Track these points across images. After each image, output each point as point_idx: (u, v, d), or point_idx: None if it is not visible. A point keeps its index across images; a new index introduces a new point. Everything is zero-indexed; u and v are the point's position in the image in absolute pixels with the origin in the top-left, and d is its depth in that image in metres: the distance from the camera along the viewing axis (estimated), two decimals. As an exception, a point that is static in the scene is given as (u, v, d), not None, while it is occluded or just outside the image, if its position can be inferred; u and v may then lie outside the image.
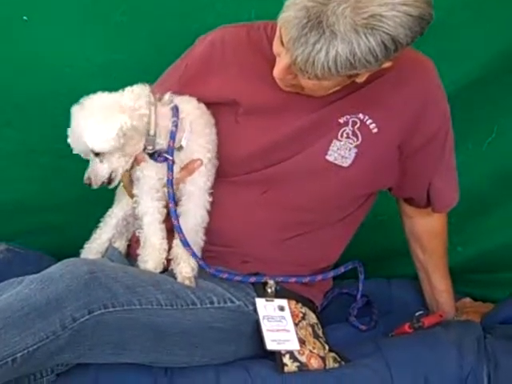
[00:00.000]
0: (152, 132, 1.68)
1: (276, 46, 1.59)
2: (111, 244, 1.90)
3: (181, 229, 1.69)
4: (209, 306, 1.67)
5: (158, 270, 1.70)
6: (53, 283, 1.50)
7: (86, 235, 1.94)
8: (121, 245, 1.92)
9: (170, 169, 1.69)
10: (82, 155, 1.68)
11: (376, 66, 1.49)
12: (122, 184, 1.88)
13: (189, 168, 1.73)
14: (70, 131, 1.67)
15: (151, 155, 1.71)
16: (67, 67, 2.12)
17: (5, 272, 1.96)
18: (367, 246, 2.11)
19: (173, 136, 1.69)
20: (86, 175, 1.68)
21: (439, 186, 1.84)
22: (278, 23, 1.52)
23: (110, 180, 1.69)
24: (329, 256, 1.90)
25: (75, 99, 2.09)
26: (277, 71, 1.60)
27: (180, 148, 1.71)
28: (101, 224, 1.91)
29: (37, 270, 1.60)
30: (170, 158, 1.69)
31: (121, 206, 1.89)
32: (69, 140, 1.67)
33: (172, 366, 1.69)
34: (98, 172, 1.66)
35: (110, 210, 1.91)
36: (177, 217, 1.70)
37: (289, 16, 1.46)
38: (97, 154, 1.64)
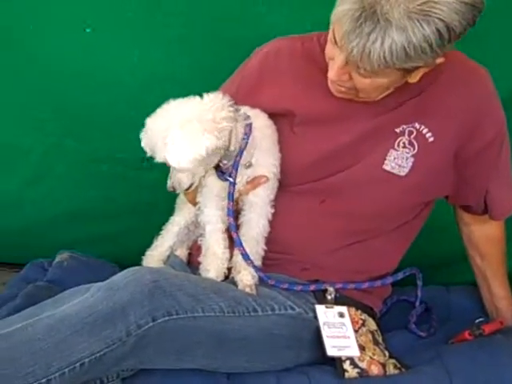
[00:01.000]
0: (232, 148, 1.68)
1: (329, 50, 1.61)
2: (173, 252, 1.93)
3: (241, 243, 1.72)
4: (270, 313, 1.69)
5: (220, 279, 1.72)
6: (118, 291, 1.54)
7: (147, 242, 1.98)
8: (182, 253, 1.95)
9: (232, 184, 1.71)
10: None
11: (430, 58, 1.50)
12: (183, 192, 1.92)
13: (254, 183, 1.75)
14: (146, 139, 1.66)
15: (216, 168, 1.73)
16: (127, 76, 2.19)
17: (69, 279, 2.02)
18: (425, 253, 2.10)
19: (241, 153, 1.70)
20: (169, 183, 1.68)
21: (496, 194, 1.83)
22: (331, 20, 1.53)
23: (188, 187, 1.70)
24: (386, 264, 1.90)
25: (135, 108, 2.16)
26: (332, 73, 1.61)
27: (249, 165, 1.73)
28: (162, 232, 1.94)
29: (100, 278, 1.65)
30: (231, 179, 1.70)
31: (182, 214, 1.92)
32: (143, 145, 1.67)
33: (234, 372, 1.72)
34: (181, 181, 1.67)
35: (172, 217, 1.94)
36: (236, 230, 1.72)
37: (343, 10, 1.47)
38: None
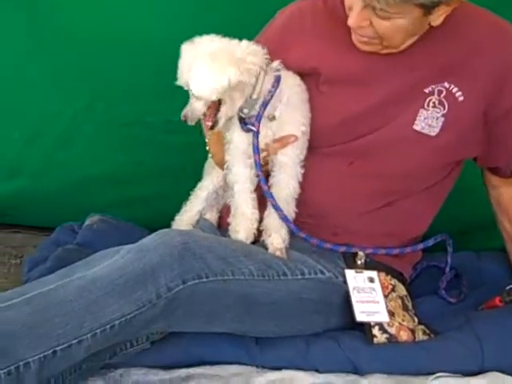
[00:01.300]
0: (255, 96, 1.68)
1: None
2: (202, 216, 1.93)
3: (271, 194, 1.70)
4: (300, 277, 1.69)
5: (250, 241, 1.72)
6: (148, 253, 1.55)
7: (176, 206, 1.98)
8: (212, 216, 1.95)
9: (256, 136, 1.70)
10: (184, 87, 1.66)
11: None
12: (210, 156, 1.91)
13: (282, 142, 1.74)
14: (179, 65, 1.66)
15: (240, 120, 1.71)
16: (154, 41, 2.17)
17: (99, 242, 2.03)
18: (455, 219, 2.09)
19: (265, 104, 1.69)
20: (182, 112, 1.67)
21: None
22: None
23: (213, 125, 1.68)
24: (417, 226, 1.89)
25: (163, 73, 2.14)
26: (352, 20, 1.60)
27: (272, 118, 1.71)
28: (191, 197, 1.94)
29: (129, 241, 1.65)
30: (253, 128, 1.69)
31: (210, 179, 1.91)
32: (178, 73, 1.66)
33: (263, 337, 1.72)
34: (195, 109, 1.65)
35: (200, 183, 1.94)
36: (266, 183, 1.71)
37: None
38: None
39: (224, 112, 1.67)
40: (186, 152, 2.21)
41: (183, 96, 2.02)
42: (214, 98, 1.62)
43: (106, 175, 2.37)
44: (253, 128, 1.69)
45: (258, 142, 1.69)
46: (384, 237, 1.83)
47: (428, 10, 1.54)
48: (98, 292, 1.52)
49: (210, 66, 1.58)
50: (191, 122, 1.66)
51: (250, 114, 1.69)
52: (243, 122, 1.71)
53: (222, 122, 1.69)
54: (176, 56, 2.07)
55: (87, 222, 2.20)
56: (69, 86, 2.26)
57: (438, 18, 1.59)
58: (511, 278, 2.01)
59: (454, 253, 2.00)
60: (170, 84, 2.22)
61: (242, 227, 1.71)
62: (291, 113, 1.72)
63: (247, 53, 1.64)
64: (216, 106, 1.66)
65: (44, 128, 2.32)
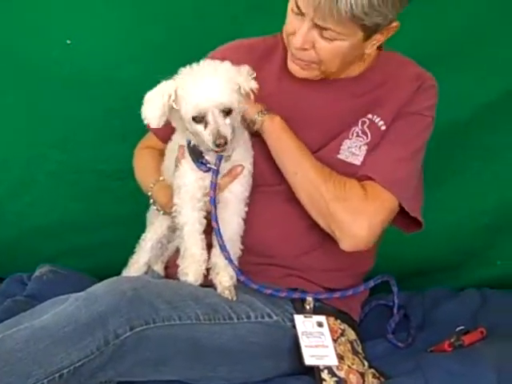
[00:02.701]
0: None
1: (290, 24, 1.70)
2: (150, 267, 1.92)
3: (220, 233, 1.71)
4: (245, 320, 1.70)
5: (199, 283, 1.71)
6: (97, 300, 1.54)
7: (128, 255, 1.96)
8: (158, 268, 1.95)
9: (215, 173, 1.71)
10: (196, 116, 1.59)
11: (390, 14, 1.61)
12: (152, 207, 1.93)
13: (232, 173, 1.75)
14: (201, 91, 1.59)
15: (196, 159, 1.71)
16: (109, 88, 2.21)
17: (49, 293, 1.97)
18: (398, 259, 2.14)
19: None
20: (215, 135, 1.56)
21: None
22: None
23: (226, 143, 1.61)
24: (367, 259, 1.92)
25: (115, 121, 2.18)
26: (297, 40, 1.67)
27: (228, 158, 1.72)
28: (136, 249, 1.94)
29: (79, 291, 1.62)
30: (214, 167, 1.69)
31: (154, 230, 1.92)
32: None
33: None
34: (225, 127, 1.58)
35: (144, 234, 1.94)
36: (217, 220, 1.71)
37: None
38: (225, 112, 1.59)
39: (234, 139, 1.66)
40: (138, 200, 2.21)
41: (134, 143, 2.07)
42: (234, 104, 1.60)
43: (57, 224, 2.37)
44: (213, 167, 1.70)
45: (216, 179, 1.70)
46: (337, 272, 1.85)
47: (368, 34, 1.66)
48: (45, 340, 1.50)
49: (222, 78, 1.59)
50: (229, 139, 1.60)
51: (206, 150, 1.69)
52: (200, 161, 1.71)
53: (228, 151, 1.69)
54: (129, 104, 2.10)
55: (37, 273, 2.18)
56: (21, 133, 2.27)
57: (371, 46, 1.72)
58: (459, 315, 2.07)
59: (400, 292, 2.04)
60: (121, 132, 2.27)
61: (190, 270, 1.71)
62: (243, 153, 1.76)
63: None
64: None
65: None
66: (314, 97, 1.82)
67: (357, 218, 1.72)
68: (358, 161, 1.79)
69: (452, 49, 2.22)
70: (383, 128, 1.80)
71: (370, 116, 1.81)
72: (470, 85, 2.23)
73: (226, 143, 1.58)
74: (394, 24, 1.67)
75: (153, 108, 1.61)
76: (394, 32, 1.71)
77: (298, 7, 1.64)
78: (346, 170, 1.78)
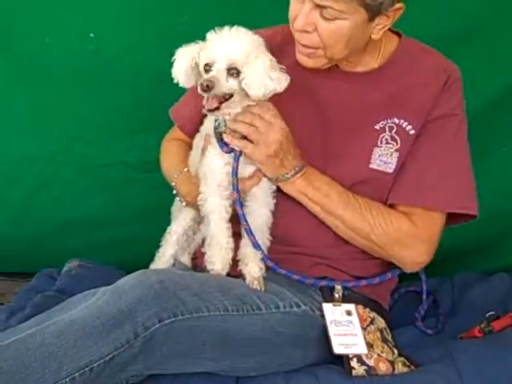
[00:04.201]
0: None
1: (292, 8, 1.67)
2: (177, 260, 1.93)
3: (251, 231, 1.72)
4: (274, 310, 1.69)
5: (226, 271, 1.72)
6: (124, 294, 1.55)
7: (156, 248, 1.97)
8: (185, 259, 1.95)
9: (236, 159, 1.71)
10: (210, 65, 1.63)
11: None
12: (177, 199, 1.93)
13: (256, 176, 1.76)
14: (215, 43, 1.64)
15: (219, 141, 1.72)
16: (133, 78, 2.22)
17: (78, 288, 1.99)
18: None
19: None
20: (207, 77, 1.61)
21: None
22: None
23: (218, 107, 1.65)
24: None
25: (141, 111, 2.18)
26: (299, 22, 1.65)
27: None
28: (162, 242, 1.94)
29: (107, 284, 1.65)
30: (237, 149, 1.71)
31: (178, 222, 1.92)
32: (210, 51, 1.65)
33: (243, 375, 1.72)
34: (223, 86, 1.62)
35: (169, 227, 1.94)
36: (241, 206, 1.72)
37: None
38: (229, 71, 1.62)
39: (228, 104, 1.66)
40: (165, 192, 2.23)
41: (161, 135, 2.07)
42: (261, 97, 1.63)
43: (84, 218, 2.38)
44: (237, 148, 1.71)
45: (237, 165, 1.71)
46: (366, 260, 1.85)
47: (372, 14, 1.62)
48: (75, 335, 1.51)
49: (271, 69, 1.62)
50: (210, 94, 1.62)
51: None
52: (223, 143, 1.72)
53: (222, 112, 1.68)
54: (153, 94, 2.12)
55: (66, 268, 2.20)
56: (45, 128, 2.29)
57: (377, 31, 1.68)
58: (487, 302, 2.04)
59: (429, 279, 2.03)
60: (148, 123, 2.27)
61: (217, 258, 1.72)
62: None
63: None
64: (226, 95, 1.66)
65: (21, 173, 2.34)
66: (334, 90, 1.79)
67: (413, 249, 1.78)
68: (390, 169, 1.77)
69: (468, 33, 2.21)
70: (412, 132, 1.77)
71: (396, 120, 1.77)
72: (485, 70, 2.22)
73: (208, 88, 1.59)
74: (398, 5, 1.63)
75: (180, 67, 1.66)
76: (399, 15, 1.66)
77: None
78: (380, 179, 1.78)
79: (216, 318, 1.61)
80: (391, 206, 1.79)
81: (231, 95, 1.65)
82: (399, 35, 1.82)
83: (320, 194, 1.76)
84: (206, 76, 1.63)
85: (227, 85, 1.62)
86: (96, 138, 2.30)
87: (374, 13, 1.62)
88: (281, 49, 1.78)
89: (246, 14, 2.13)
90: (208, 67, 1.64)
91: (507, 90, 2.25)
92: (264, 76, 1.61)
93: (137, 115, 2.24)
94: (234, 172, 1.72)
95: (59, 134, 2.30)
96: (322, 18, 1.62)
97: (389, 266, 1.86)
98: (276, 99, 1.70)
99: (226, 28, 1.65)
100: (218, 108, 1.65)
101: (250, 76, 1.61)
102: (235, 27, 1.65)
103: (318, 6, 1.61)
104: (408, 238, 1.76)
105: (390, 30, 1.77)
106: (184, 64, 1.67)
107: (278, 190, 1.79)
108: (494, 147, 2.34)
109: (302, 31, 1.67)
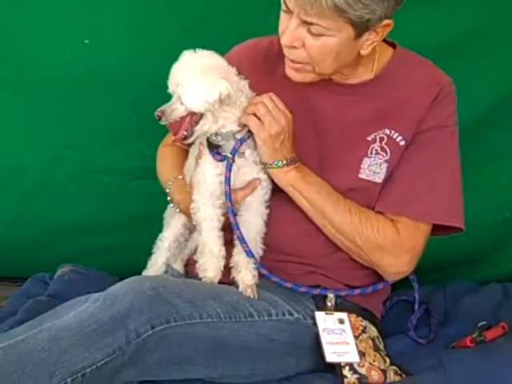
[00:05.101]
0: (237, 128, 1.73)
1: (282, 23, 1.66)
2: (169, 266, 1.93)
3: (244, 239, 1.73)
4: (266, 318, 1.70)
5: (218, 279, 1.72)
6: (117, 300, 1.55)
7: (148, 254, 1.97)
8: (178, 266, 1.95)
9: (229, 168, 1.72)
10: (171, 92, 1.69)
11: (377, 9, 1.57)
12: (170, 206, 1.94)
13: (249, 187, 1.77)
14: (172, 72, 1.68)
15: (211, 149, 1.74)
16: (125, 85, 2.22)
17: (70, 293, 2.00)
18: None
19: (241, 141, 1.73)
20: (160, 108, 1.66)
21: None
22: None
23: (186, 136, 1.69)
24: None
25: (133, 118, 2.18)
26: (286, 37, 1.65)
27: (242, 155, 1.75)
28: (154, 249, 1.94)
29: (100, 290, 1.64)
30: (230, 156, 1.72)
31: (170, 229, 1.92)
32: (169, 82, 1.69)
33: (235, 383, 1.72)
34: (176, 110, 1.66)
35: (161, 234, 1.94)
36: (234, 214, 1.73)
37: None
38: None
39: (201, 126, 1.69)
40: (157, 198, 2.23)
41: (152, 142, 2.07)
42: (203, 110, 1.66)
43: (77, 224, 2.38)
44: (229, 156, 1.72)
45: (230, 174, 1.72)
46: (359, 270, 1.85)
47: (359, 31, 1.61)
48: (68, 340, 1.51)
49: (202, 80, 1.64)
50: (165, 121, 1.67)
51: (221, 143, 1.73)
52: (216, 151, 1.74)
53: (194, 137, 1.71)
54: (146, 100, 2.11)
55: (58, 273, 2.20)
56: (38, 135, 2.29)
57: (366, 46, 1.67)
58: (479, 312, 2.05)
59: (422, 287, 2.03)
60: (139, 130, 2.27)
61: (209, 265, 1.73)
62: (254, 157, 1.77)
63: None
64: (195, 118, 1.69)
65: (14, 179, 2.34)
66: (329, 102, 1.80)
67: (397, 259, 1.78)
68: (379, 179, 1.78)
69: (461, 44, 2.23)
70: (402, 143, 1.78)
71: (387, 131, 1.78)
72: (480, 80, 2.24)
73: (159, 118, 1.65)
74: (386, 22, 1.62)
75: None
76: (388, 31, 1.66)
77: (285, 4, 1.62)
78: (369, 189, 1.78)
79: (209, 325, 1.61)
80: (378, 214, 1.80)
81: (200, 118, 1.68)
82: (394, 46, 1.83)
83: (311, 190, 1.76)
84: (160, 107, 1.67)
85: (179, 108, 1.66)
86: (88, 144, 2.31)
87: (361, 29, 1.61)
88: (278, 57, 1.78)
89: (240, 23, 2.16)
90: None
91: (498, 103, 2.26)
92: (195, 89, 1.63)
93: (129, 122, 2.25)
94: (227, 180, 1.72)
95: (52, 141, 2.30)
96: (309, 34, 1.62)
97: (381, 276, 1.86)
98: None
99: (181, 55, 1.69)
100: (185, 137, 1.69)
101: (185, 93, 1.64)
102: (184, 52, 1.68)
103: (305, 23, 1.60)
104: (392, 246, 1.77)
105: (384, 41, 1.78)
106: None
107: (271, 199, 1.79)
108: (486, 159, 2.34)
109: (290, 47, 1.67)
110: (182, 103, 1.65)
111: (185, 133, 1.69)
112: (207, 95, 1.63)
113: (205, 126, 1.69)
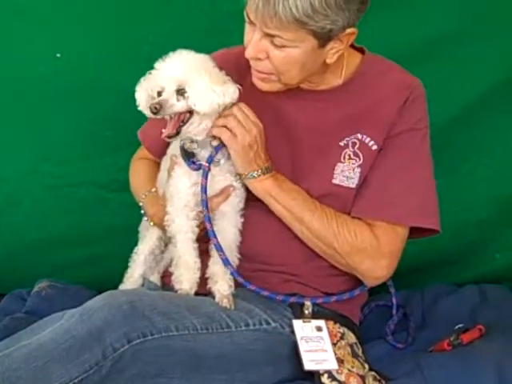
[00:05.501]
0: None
1: (246, 35, 1.67)
2: (146, 279, 1.92)
3: (221, 247, 1.72)
4: (244, 328, 1.69)
5: (194, 290, 1.72)
6: (93, 315, 1.54)
7: (125, 267, 1.95)
8: (155, 278, 1.94)
9: (205, 176, 1.72)
10: (160, 91, 1.66)
11: (338, 19, 1.57)
12: (144, 219, 1.94)
13: (223, 194, 1.77)
14: (161, 70, 1.67)
15: (187, 158, 1.74)
16: (100, 98, 2.22)
17: (48, 309, 1.99)
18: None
19: (217, 150, 1.73)
20: (156, 100, 1.64)
21: None
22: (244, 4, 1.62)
23: (178, 132, 1.68)
24: None
25: (108, 131, 2.17)
26: (249, 50, 1.66)
27: (217, 163, 1.75)
28: (130, 263, 1.93)
29: (77, 305, 1.63)
30: (205, 164, 1.72)
31: (145, 242, 1.92)
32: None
33: None
34: (174, 106, 1.64)
35: (136, 247, 1.94)
36: (210, 222, 1.73)
37: None
38: (179, 92, 1.64)
39: (187, 127, 1.68)
40: (134, 211, 2.22)
41: (128, 154, 2.07)
42: (209, 112, 1.66)
43: (53, 237, 2.37)
44: (203, 163, 1.72)
45: (206, 182, 1.72)
46: (336, 277, 1.85)
47: (321, 41, 1.62)
48: (44, 358, 1.50)
49: (214, 81, 1.64)
50: (161, 115, 1.65)
51: (197, 150, 1.73)
52: (191, 161, 1.74)
53: (181, 137, 1.70)
54: (122, 113, 2.11)
55: (35, 289, 2.19)
56: (12, 149, 2.28)
57: (331, 55, 1.68)
58: (456, 315, 2.07)
59: (399, 291, 2.05)
60: (115, 142, 2.27)
61: (185, 277, 1.72)
62: (228, 166, 1.77)
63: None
64: (183, 117, 1.68)
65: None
66: (299, 109, 1.80)
67: (375, 263, 1.79)
68: (353, 184, 1.79)
69: (433, 47, 2.25)
70: (374, 148, 1.78)
71: (359, 136, 1.78)
72: (453, 82, 2.26)
73: (156, 109, 1.62)
74: (350, 30, 1.63)
75: (142, 100, 1.70)
76: (353, 39, 1.67)
77: (248, 16, 1.63)
78: (343, 194, 1.79)
79: (185, 337, 1.61)
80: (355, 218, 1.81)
81: (189, 118, 1.67)
82: (363, 51, 1.84)
83: (287, 197, 1.76)
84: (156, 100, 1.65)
85: (177, 104, 1.64)
86: (64, 158, 2.30)
87: (324, 40, 1.62)
88: (247, 66, 1.77)
89: (211, 34, 2.15)
90: (160, 94, 1.66)
91: (471, 105, 2.29)
92: (207, 91, 1.63)
93: (104, 135, 2.24)
94: (204, 189, 1.72)
95: (28, 154, 2.29)
96: (272, 45, 1.62)
97: (358, 281, 1.87)
98: None
99: (170, 53, 1.67)
100: (178, 133, 1.68)
101: (193, 93, 1.63)
102: (178, 50, 1.68)
103: (268, 35, 1.61)
104: (370, 249, 1.77)
105: (353, 46, 1.79)
106: (143, 98, 1.70)
107: (246, 208, 1.79)
108: (461, 160, 2.36)
109: (255, 59, 1.68)
110: (178, 99, 1.64)
111: (174, 131, 1.68)
112: (218, 98, 1.64)
113: (190, 127, 1.69)
